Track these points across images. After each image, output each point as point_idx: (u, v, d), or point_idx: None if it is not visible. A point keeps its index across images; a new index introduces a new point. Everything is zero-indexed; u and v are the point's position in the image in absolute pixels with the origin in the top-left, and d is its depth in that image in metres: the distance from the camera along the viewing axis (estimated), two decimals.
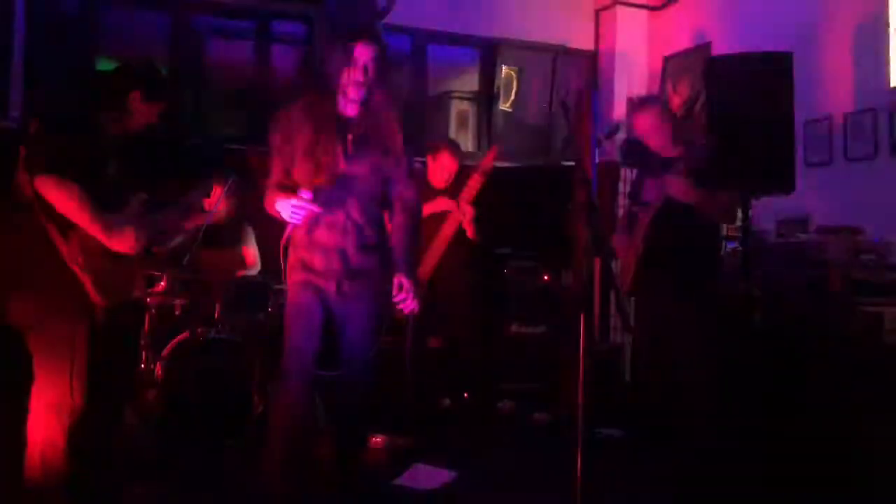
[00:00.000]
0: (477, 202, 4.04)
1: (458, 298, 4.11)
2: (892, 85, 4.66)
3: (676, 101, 6.15)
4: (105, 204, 2.55)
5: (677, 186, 3.34)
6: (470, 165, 4.12)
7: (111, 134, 2.66)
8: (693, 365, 3.18)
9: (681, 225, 3.39)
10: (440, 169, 4.21)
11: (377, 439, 3.79)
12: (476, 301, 4.21)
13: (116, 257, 2.55)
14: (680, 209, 3.37)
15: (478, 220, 4.07)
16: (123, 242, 2.53)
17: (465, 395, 4.39)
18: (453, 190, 4.12)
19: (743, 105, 3.65)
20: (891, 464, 3.01)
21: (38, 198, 2.43)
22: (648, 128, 3.59)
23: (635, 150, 3.91)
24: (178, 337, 3.85)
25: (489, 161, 4.04)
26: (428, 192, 4.16)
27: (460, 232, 4.04)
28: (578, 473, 2.27)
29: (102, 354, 2.61)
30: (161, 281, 3.91)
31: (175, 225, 2.84)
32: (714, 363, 3.25)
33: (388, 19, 5.80)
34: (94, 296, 2.48)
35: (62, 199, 2.43)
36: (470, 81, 7.36)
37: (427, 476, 3.40)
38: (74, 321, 2.50)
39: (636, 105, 3.75)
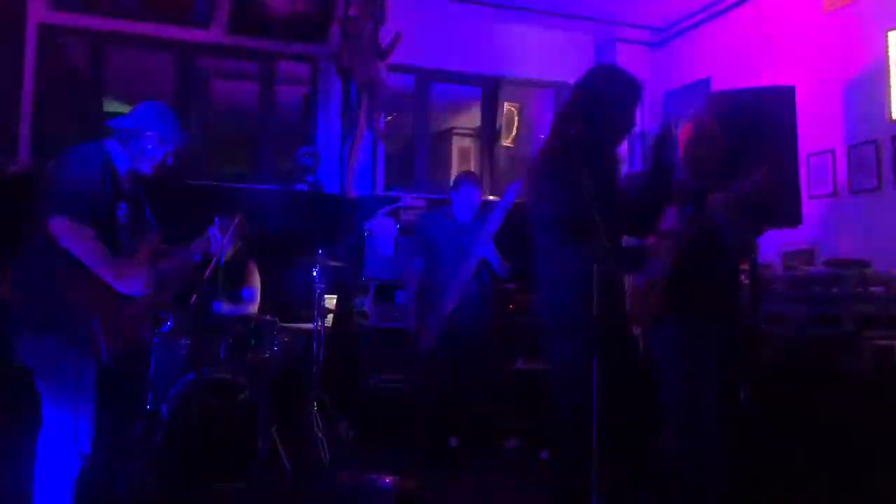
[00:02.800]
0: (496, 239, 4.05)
1: (482, 334, 4.10)
2: (893, 117, 4.70)
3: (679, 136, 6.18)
4: (115, 245, 2.55)
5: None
6: (492, 201, 4.16)
7: (122, 175, 2.68)
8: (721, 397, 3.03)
9: (716, 250, 3.22)
10: (464, 201, 4.23)
11: (386, 481, 3.73)
12: (495, 338, 4.19)
13: (126, 299, 2.54)
14: (715, 235, 3.12)
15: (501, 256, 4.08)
16: (132, 286, 2.53)
17: (454, 440, 4.32)
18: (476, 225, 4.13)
19: (746, 139, 3.67)
20: None
21: (51, 239, 2.43)
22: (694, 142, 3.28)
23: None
24: (184, 377, 3.81)
25: (510, 197, 4.04)
26: (453, 226, 4.17)
27: (482, 266, 4.04)
28: None
29: (111, 397, 2.59)
30: (167, 321, 3.89)
31: (181, 270, 2.83)
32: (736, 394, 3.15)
33: (391, 58, 5.89)
34: (102, 337, 2.46)
35: (74, 240, 2.44)
36: (471, 118, 7.43)
37: None
38: (82, 362, 2.48)
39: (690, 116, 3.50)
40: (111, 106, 5.45)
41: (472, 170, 7.48)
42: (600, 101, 2.71)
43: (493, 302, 4.24)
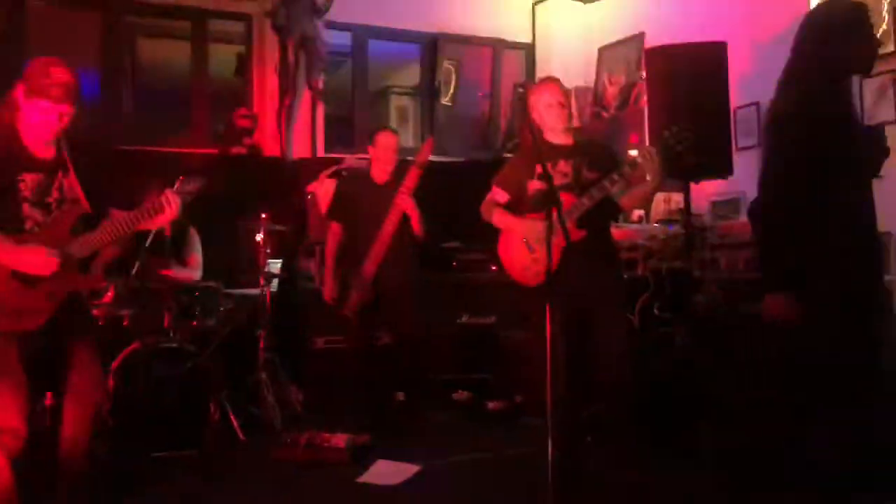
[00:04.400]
0: (417, 196, 4.04)
1: (404, 293, 4.11)
2: None
3: (612, 91, 6.30)
4: (18, 221, 2.45)
5: None
6: (409, 160, 4.11)
7: (23, 144, 2.52)
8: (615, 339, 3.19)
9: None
10: (383, 152, 4.15)
11: (338, 439, 3.79)
12: (421, 296, 4.21)
13: (28, 280, 2.46)
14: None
15: (420, 214, 4.07)
16: (33, 265, 2.44)
17: (401, 395, 4.39)
18: (394, 185, 4.09)
19: (680, 94, 3.79)
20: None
21: None
22: (542, 106, 3.26)
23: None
24: (128, 348, 3.77)
25: (425, 154, 4.04)
26: (371, 189, 4.14)
27: (403, 227, 4.03)
28: (550, 459, 2.32)
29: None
30: (108, 292, 3.82)
31: (126, 231, 2.70)
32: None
33: (328, 16, 5.78)
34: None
35: None
36: (409, 76, 7.37)
37: (391, 472, 3.41)
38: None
39: (533, 86, 3.51)
40: None
41: (411, 128, 7.46)
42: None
43: (415, 260, 4.23)
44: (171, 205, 2.58)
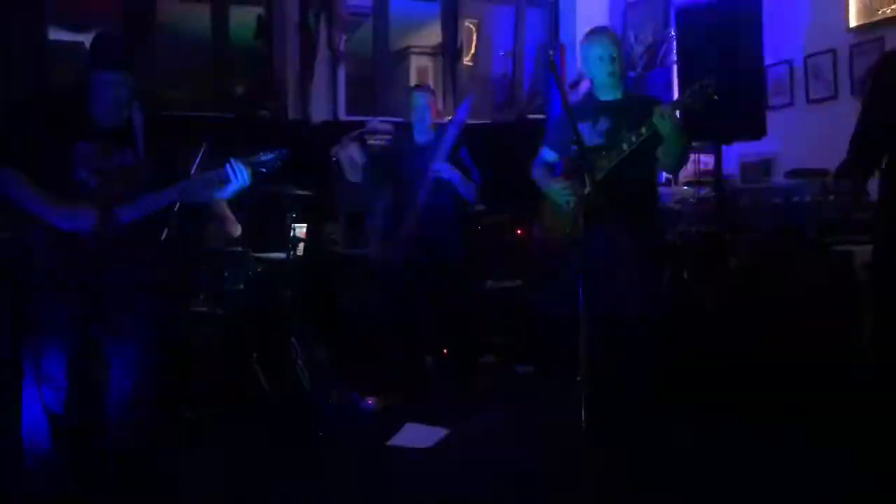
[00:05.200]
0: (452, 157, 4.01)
1: (441, 258, 4.11)
2: (851, 25, 4.75)
3: (638, 50, 6.18)
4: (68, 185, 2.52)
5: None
6: (442, 122, 4.07)
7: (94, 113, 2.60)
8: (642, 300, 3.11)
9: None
10: (419, 111, 4.12)
11: (367, 401, 3.83)
12: (460, 257, 4.21)
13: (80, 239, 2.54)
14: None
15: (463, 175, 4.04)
16: (79, 223, 2.53)
17: (445, 351, 4.43)
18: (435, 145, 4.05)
19: (712, 53, 3.71)
20: (853, 401, 3.14)
21: None
22: (592, 59, 3.14)
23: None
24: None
25: (463, 113, 3.99)
26: (412, 149, 4.12)
27: (440, 191, 4.01)
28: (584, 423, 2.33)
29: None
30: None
31: (180, 199, 2.75)
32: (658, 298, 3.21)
33: None
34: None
35: (7, 185, 2.47)
36: (428, 36, 7.27)
37: (420, 435, 3.45)
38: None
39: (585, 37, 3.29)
40: (56, 34, 5.18)
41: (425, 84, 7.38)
42: None
43: (457, 224, 4.21)
44: (237, 175, 2.57)
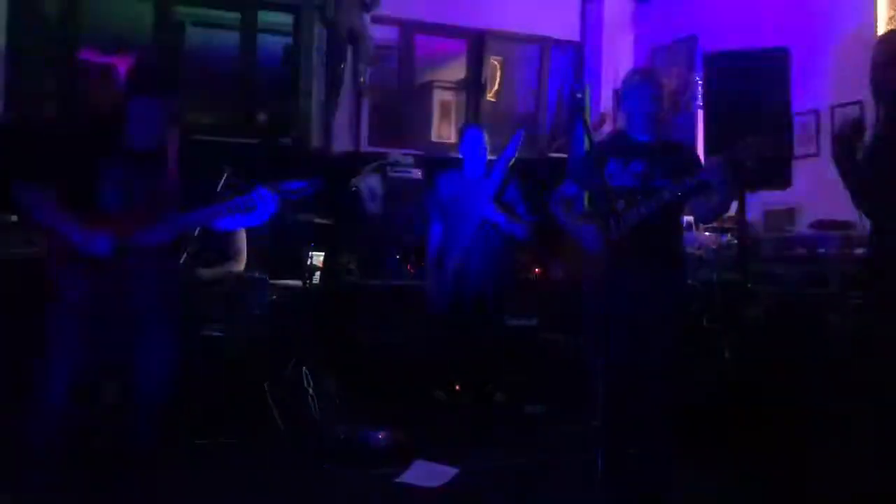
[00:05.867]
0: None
1: (482, 297, 4.09)
2: None
3: (663, 93, 6.18)
4: (93, 204, 2.56)
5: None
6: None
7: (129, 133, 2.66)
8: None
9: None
10: (470, 148, 4.17)
11: (377, 436, 3.77)
12: (503, 298, 4.20)
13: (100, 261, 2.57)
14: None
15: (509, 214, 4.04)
16: (97, 245, 2.55)
17: (458, 387, 4.39)
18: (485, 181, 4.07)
19: (738, 100, 3.70)
20: (884, 456, 3.06)
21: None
22: (635, 98, 3.06)
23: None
24: None
25: (513, 148, 3.99)
26: (464, 185, 4.12)
27: (486, 229, 4.01)
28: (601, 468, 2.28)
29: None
30: None
31: (203, 224, 2.81)
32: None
33: (376, 10, 5.76)
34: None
35: (27, 202, 2.58)
36: (452, 71, 7.33)
37: (430, 473, 3.39)
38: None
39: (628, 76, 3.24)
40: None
41: (453, 123, 7.43)
42: None
43: (501, 264, 4.18)
44: (265, 202, 2.58)
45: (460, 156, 4.24)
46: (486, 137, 4.18)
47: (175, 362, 2.79)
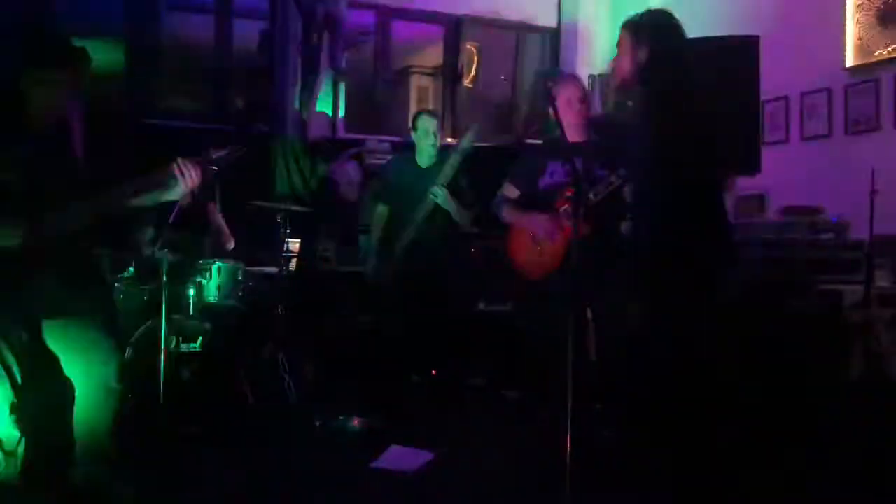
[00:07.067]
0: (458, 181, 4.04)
1: (432, 279, 4.12)
2: (847, 65, 4.82)
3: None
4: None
5: None
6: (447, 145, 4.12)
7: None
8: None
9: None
10: (424, 135, 4.16)
11: (353, 421, 3.81)
12: (451, 278, 4.22)
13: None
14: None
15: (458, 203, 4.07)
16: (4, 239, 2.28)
17: (434, 371, 4.43)
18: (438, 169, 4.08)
19: (709, 87, 3.73)
20: (848, 440, 3.15)
21: None
22: (562, 102, 3.22)
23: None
24: (147, 323, 3.80)
25: (468, 140, 4.02)
26: (415, 172, 4.13)
27: (437, 214, 4.03)
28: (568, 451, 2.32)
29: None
30: (129, 267, 3.84)
31: (121, 203, 2.46)
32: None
33: None
34: None
35: None
36: (429, 57, 7.32)
37: (406, 457, 3.42)
38: None
39: (556, 80, 3.48)
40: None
41: (431, 109, 7.42)
42: None
43: (449, 247, 4.23)
44: (184, 174, 2.41)
45: (413, 141, 4.24)
46: (436, 124, 4.19)
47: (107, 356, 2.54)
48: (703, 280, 2.66)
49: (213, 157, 2.49)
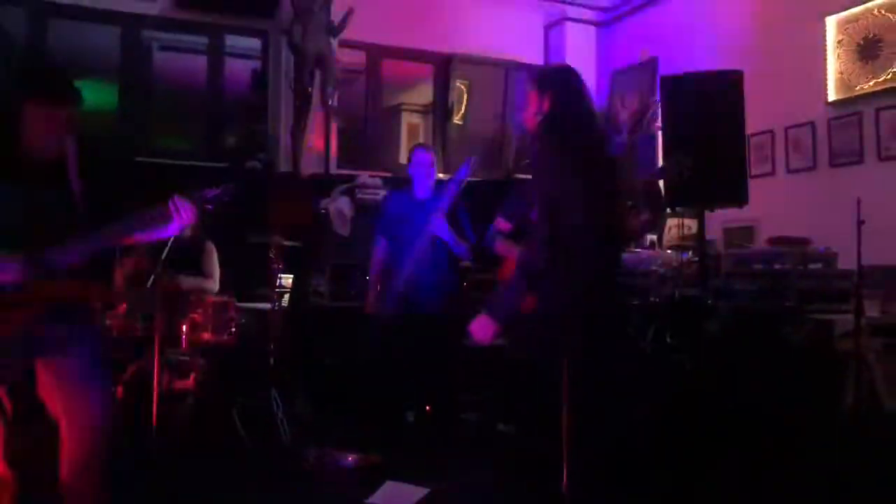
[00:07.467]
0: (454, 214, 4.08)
1: (432, 313, 4.12)
2: (830, 99, 4.92)
3: (624, 115, 6.34)
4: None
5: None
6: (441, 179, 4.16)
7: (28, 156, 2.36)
8: None
9: None
10: (420, 168, 4.21)
11: (347, 458, 3.78)
12: (451, 311, 4.22)
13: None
14: None
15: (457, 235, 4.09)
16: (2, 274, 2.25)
17: (428, 408, 4.41)
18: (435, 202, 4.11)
19: (696, 122, 3.82)
20: (840, 469, 3.15)
21: None
22: None
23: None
24: (139, 360, 3.78)
25: (465, 173, 4.06)
26: (412, 205, 4.17)
27: (436, 247, 4.05)
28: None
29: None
30: (122, 303, 3.83)
31: (119, 240, 2.48)
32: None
33: (344, 35, 5.83)
34: None
35: None
36: (420, 94, 7.43)
37: (401, 493, 3.39)
38: None
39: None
40: None
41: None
42: None
43: (450, 280, 4.26)
44: (180, 211, 2.42)
45: (410, 175, 4.28)
46: (433, 158, 4.24)
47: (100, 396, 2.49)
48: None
49: (209, 196, 2.52)
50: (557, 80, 2.77)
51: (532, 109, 2.75)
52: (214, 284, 4.31)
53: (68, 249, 2.35)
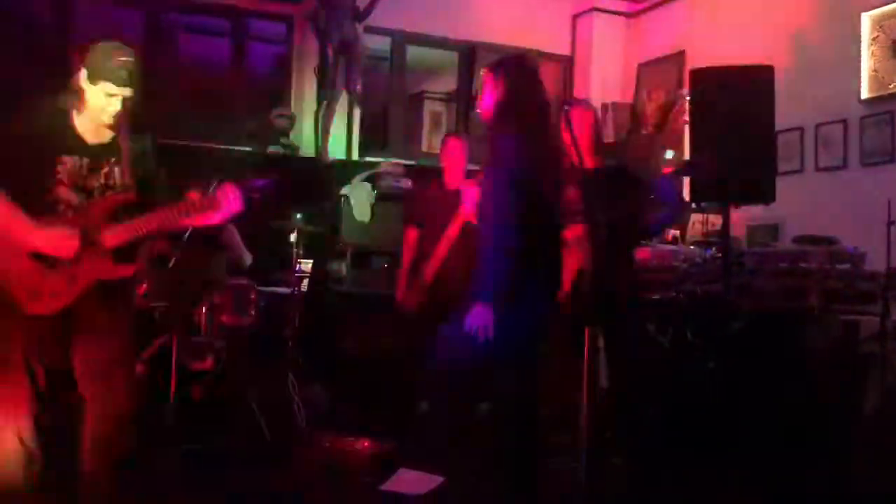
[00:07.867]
0: None
1: (460, 304, 4.09)
2: (863, 97, 4.82)
3: (651, 108, 6.26)
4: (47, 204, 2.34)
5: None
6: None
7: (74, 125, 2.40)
8: None
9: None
10: (451, 157, 4.16)
11: (362, 444, 3.78)
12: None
13: (47, 261, 2.32)
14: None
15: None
16: (50, 246, 2.30)
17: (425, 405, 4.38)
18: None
19: (725, 116, 3.74)
20: (863, 469, 3.11)
21: None
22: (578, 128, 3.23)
23: None
24: (158, 341, 3.80)
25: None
26: (443, 195, 4.13)
27: (468, 235, 4.02)
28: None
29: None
30: (142, 284, 3.85)
31: (168, 224, 2.48)
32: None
33: (369, 21, 5.81)
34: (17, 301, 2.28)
35: None
36: (443, 82, 7.39)
37: (415, 481, 3.39)
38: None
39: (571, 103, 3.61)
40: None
41: (444, 133, 7.45)
42: None
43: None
44: (229, 200, 2.44)
45: (441, 165, 4.25)
46: (466, 147, 4.19)
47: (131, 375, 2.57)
48: None
49: (257, 185, 2.54)
50: (512, 68, 2.88)
51: (488, 97, 2.85)
52: (249, 257, 4.35)
53: (120, 230, 2.39)
